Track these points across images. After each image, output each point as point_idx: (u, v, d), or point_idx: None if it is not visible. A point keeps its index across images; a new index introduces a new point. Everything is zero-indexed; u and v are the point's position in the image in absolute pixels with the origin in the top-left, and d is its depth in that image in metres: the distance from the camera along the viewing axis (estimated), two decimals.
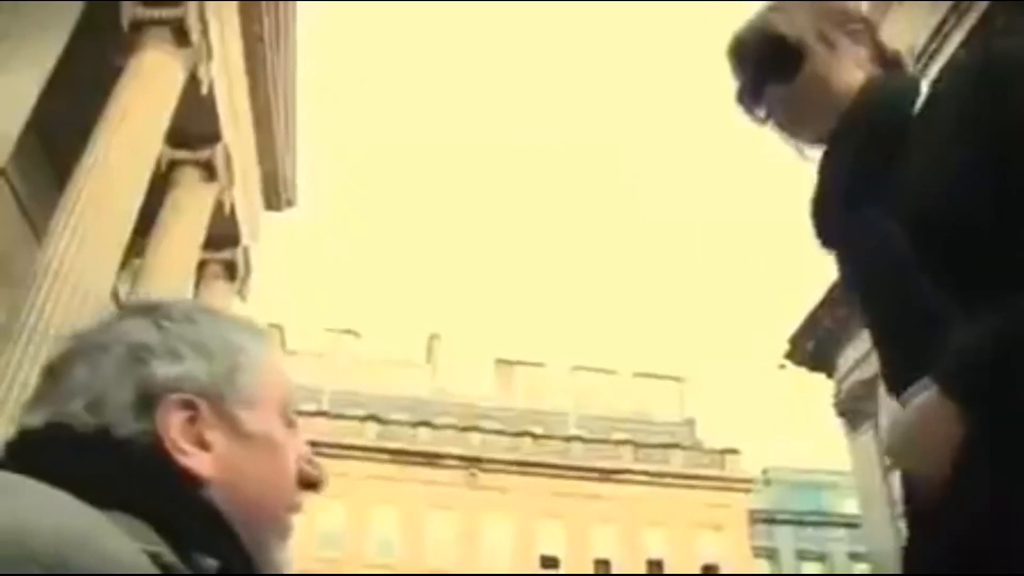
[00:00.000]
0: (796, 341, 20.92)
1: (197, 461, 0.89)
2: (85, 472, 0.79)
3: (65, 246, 9.81)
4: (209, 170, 13.92)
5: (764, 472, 42.03)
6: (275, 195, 18.66)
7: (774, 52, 1.56)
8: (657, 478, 37.83)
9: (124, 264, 11.86)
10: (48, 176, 12.40)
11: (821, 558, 40.78)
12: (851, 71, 1.55)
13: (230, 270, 16.64)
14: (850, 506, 32.09)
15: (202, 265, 15.49)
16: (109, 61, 11.20)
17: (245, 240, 16.82)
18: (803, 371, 21.34)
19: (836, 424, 20.94)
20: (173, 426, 0.89)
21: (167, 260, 13.03)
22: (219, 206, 14.61)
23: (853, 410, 19.80)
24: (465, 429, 37.51)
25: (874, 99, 1.50)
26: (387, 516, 33.64)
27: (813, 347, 20.10)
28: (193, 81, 12.25)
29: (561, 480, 36.53)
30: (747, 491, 39.30)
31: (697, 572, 36.33)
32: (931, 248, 1.30)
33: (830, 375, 20.71)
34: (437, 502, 34.70)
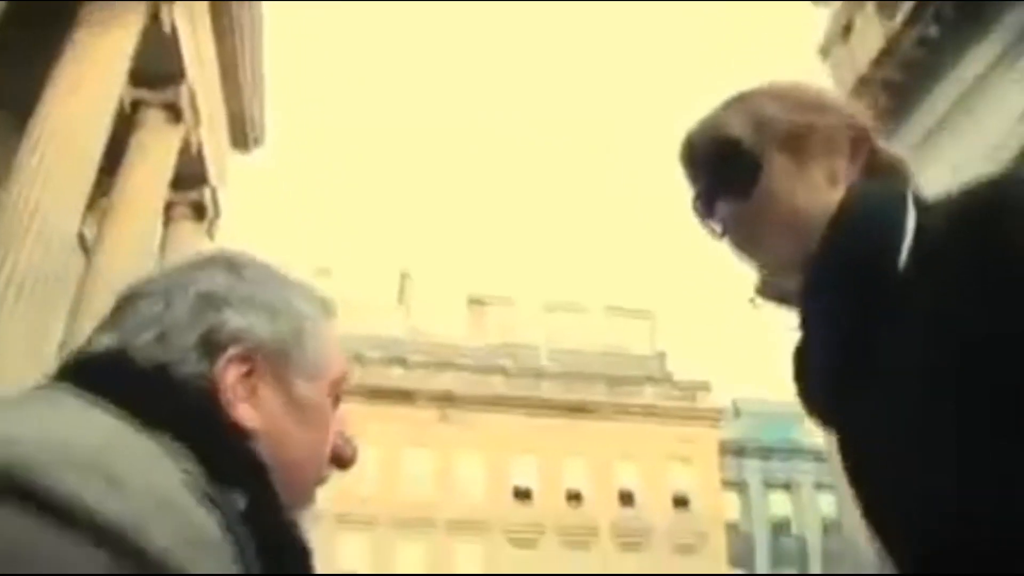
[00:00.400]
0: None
1: (246, 413, 0.91)
2: (140, 400, 0.83)
3: (29, 187, 9.71)
4: (174, 111, 13.77)
5: (734, 404, 42.51)
6: (243, 135, 18.47)
7: (726, 161, 1.27)
8: (628, 411, 38.36)
9: (91, 205, 11.75)
10: (8, 119, 12.21)
11: (788, 488, 41.43)
12: (822, 189, 1.24)
13: (198, 211, 16.52)
14: (817, 438, 32.54)
15: (170, 206, 15.38)
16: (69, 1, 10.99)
17: (213, 180, 16.68)
18: (773, 306, 21.47)
19: None
20: (230, 375, 0.92)
21: (134, 200, 12.92)
22: (186, 146, 14.49)
23: None
24: (438, 367, 37.67)
25: (849, 241, 1.17)
26: (362, 452, 33.19)
27: (783, 282, 20.19)
28: (155, 22, 12.06)
29: (533, 415, 36.85)
30: (717, 423, 39.84)
31: (668, 503, 36.93)
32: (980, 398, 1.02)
33: None
34: (412, 439, 34.94)
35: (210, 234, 17.00)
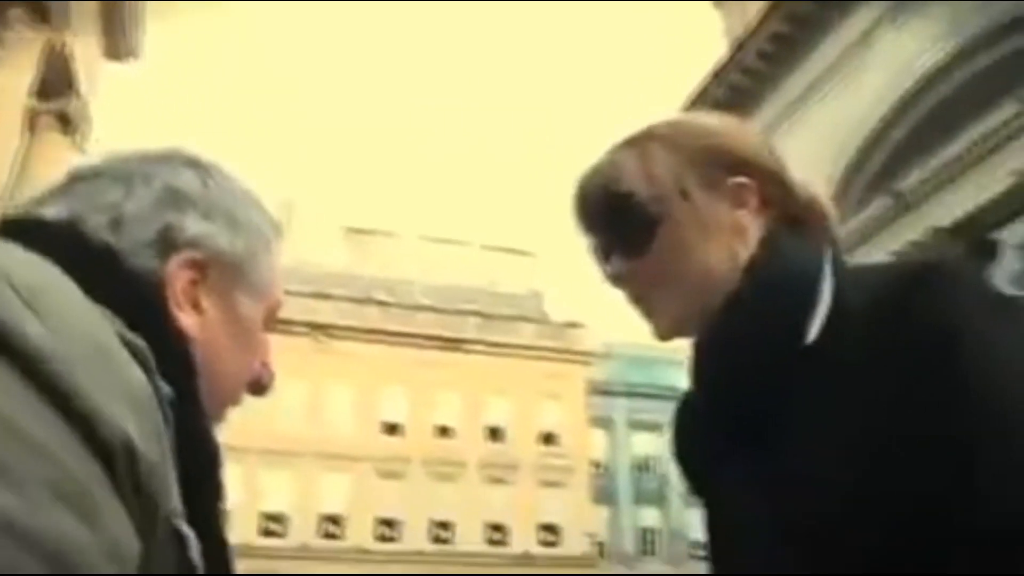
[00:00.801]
0: None
1: (188, 320, 0.89)
2: (86, 274, 0.76)
3: None
4: (40, 11, 13.03)
5: (605, 346, 43.31)
6: (116, 45, 17.63)
7: (619, 216, 1.15)
8: (501, 348, 38.68)
9: None
10: None
11: (653, 428, 42.59)
12: (726, 243, 1.12)
13: (66, 122, 15.75)
14: (682, 380, 33.37)
15: (35, 116, 14.61)
16: None
17: (83, 91, 15.89)
18: None
19: None
20: (180, 279, 0.90)
21: None
22: (52, 51, 13.74)
23: None
24: (315, 296, 37.24)
25: (758, 304, 1.06)
26: None
27: None
28: None
29: (407, 348, 36.88)
30: (588, 363, 40.56)
31: (535, 439, 37.56)
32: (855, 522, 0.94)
33: None
34: (286, 368, 34.36)
35: (80, 148, 16.25)
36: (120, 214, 0.89)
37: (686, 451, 1.22)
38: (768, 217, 1.15)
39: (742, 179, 1.14)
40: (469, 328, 38.96)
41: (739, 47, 17.30)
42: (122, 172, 0.93)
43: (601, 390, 41.67)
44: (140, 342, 0.73)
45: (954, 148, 13.31)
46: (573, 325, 41.21)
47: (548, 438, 38.03)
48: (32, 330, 0.63)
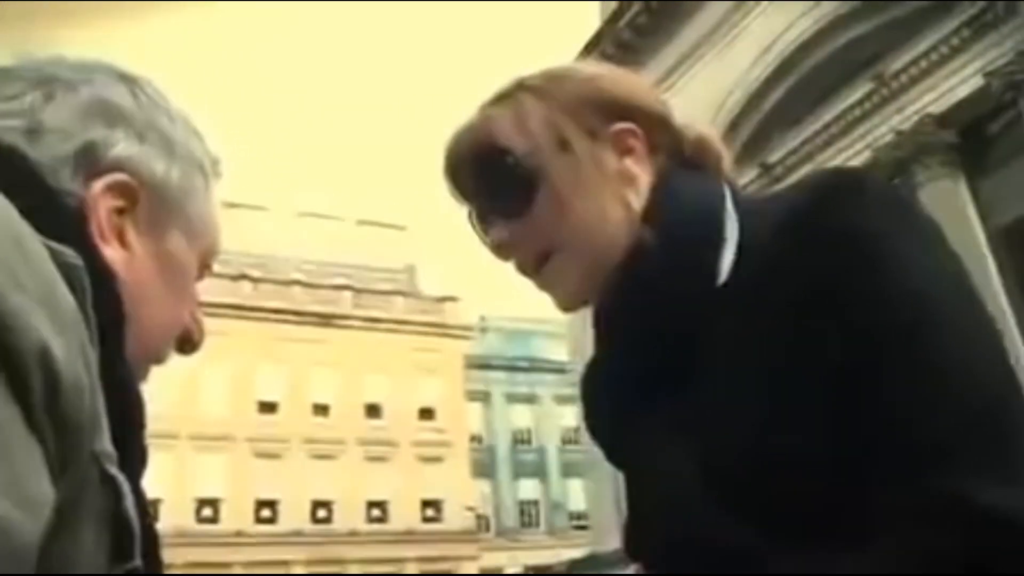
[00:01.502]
0: None
1: (114, 255, 0.76)
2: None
3: None
4: None
5: (481, 320, 43.47)
6: None
7: (494, 177, 1.06)
8: (377, 324, 38.41)
9: None
10: None
11: (530, 400, 43.02)
12: (615, 194, 1.03)
13: None
14: (559, 352, 33.91)
15: None
16: None
17: None
18: None
19: None
20: (103, 205, 0.77)
21: None
22: None
23: None
24: None
25: (665, 251, 0.98)
26: None
27: None
28: None
29: (281, 325, 36.29)
30: (464, 338, 40.66)
31: (414, 415, 37.52)
32: (748, 483, 0.90)
33: None
34: None
35: None
36: (38, 122, 0.77)
37: (600, 419, 1.11)
38: (657, 162, 1.07)
39: (625, 124, 1.06)
40: (344, 304, 38.58)
41: (612, 17, 17.46)
42: (42, 75, 0.80)
43: (478, 364, 41.83)
44: (73, 257, 0.62)
45: (817, 123, 13.70)
46: (448, 299, 41.21)
47: (426, 413, 38.02)
48: None
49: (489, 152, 1.06)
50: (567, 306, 1.10)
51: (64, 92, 0.80)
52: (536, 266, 1.07)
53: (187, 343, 0.92)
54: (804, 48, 13.84)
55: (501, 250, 1.09)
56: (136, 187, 0.80)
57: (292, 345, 35.80)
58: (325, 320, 37.48)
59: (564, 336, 25.38)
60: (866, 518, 0.83)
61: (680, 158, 1.09)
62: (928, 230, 0.94)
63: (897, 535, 0.82)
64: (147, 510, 0.73)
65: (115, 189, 0.78)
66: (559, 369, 37.46)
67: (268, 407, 35.61)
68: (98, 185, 0.77)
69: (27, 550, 0.50)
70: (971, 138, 12.32)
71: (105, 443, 0.61)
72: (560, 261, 1.05)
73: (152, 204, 0.82)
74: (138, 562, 0.65)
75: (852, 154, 12.94)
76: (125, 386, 0.71)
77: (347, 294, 39.01)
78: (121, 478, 0.62)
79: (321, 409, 36.43)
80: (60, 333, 0.56)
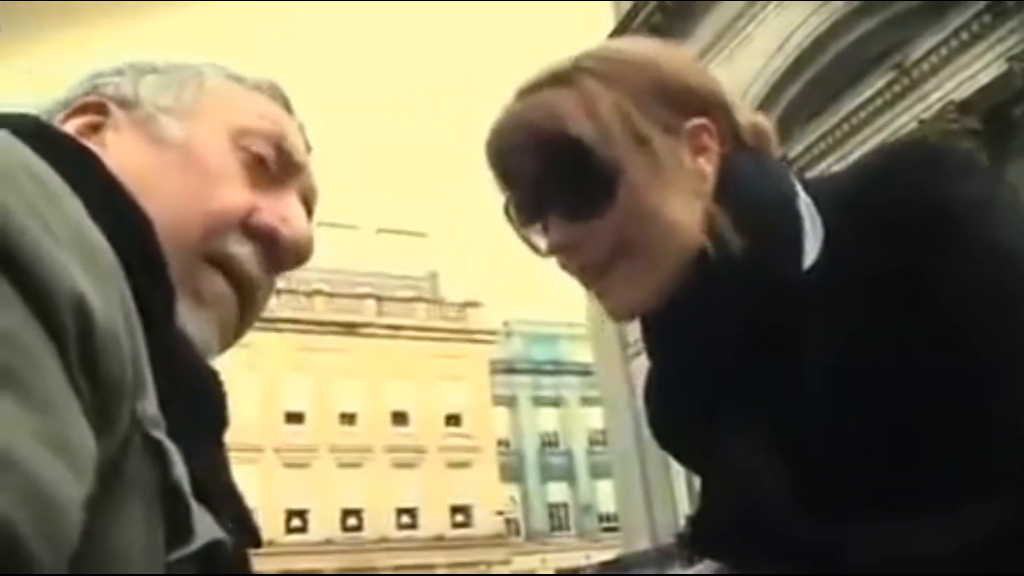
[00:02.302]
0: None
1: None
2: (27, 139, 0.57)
3: None
4: None
5: (505, 324, 43.46)
6: None
7: (562, 165, 0.94)
8: (401, 331, 38.45)
9: None
10: None
11: (556, 403, 42.97)
12: (689, 201, 0.93)
13: None
14: (584, 355, 33.82)
15: None
16: None
17: None
18: None
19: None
20: (72, 126, 0.76)
21: None
22: None
23: None
24: None
25: (752, 243, 0.91)
26: None
27: None
28: None
29: (305, 335, 36.40)
30: (488, 342, 40.65)
31: (440, 421, 37.57)
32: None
33: None
34: None
35: None
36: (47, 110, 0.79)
37: (676, 418, 1.01)
38: (723, 153, 0.97)
39: (700, 120, 0.96)
40: (367, 312, 38.66)
41: (626, 17, 17.42)
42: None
43: (503, 368, 41.82)
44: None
45: (838, 115, 13.59)
46: (471, 304, 41.22)
47: (453, 419, 38.04)
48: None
49: (557, 140, 0.93)
50: (626, 315, 1.00)
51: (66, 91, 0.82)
52: (600, 272, 0.96)
53: (270, 241, 0.78)
54: (820, 42, 13.75)
55: (563, 252, 0.97)
56: (102, 100, 0.78)
57: (317, 355, 35.90)
58: (349, 329, 37.56)
59: (588, 338, 25.30)
60: (976, 496, 0.81)
61: (741, 146, 0.99)
62: (1008, 197, 0.90)
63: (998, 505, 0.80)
64: (231, 487, 0.68)
65: (79, 110, 0.78)
66: (585, 371, 37.35)
67: (295, 417, 35.70)
68: (63, 115, 0.78)
69: (71, 510, 0.45)
70: (994, 124, 12.18)
71: (148, 405, 0.54)
72: (630, 268, 0.94)
73: (126, 107, 0.78)
74: (210, 537, 0.57)
75: (874, 144, 12.82)
76: (177, 343, 0.63)
77: (370, 302, 39.08)
78: (168, 444, 0.55)
79: (348, 418, 36.49)
80: (95, 280, 0.50)
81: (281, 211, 0.79)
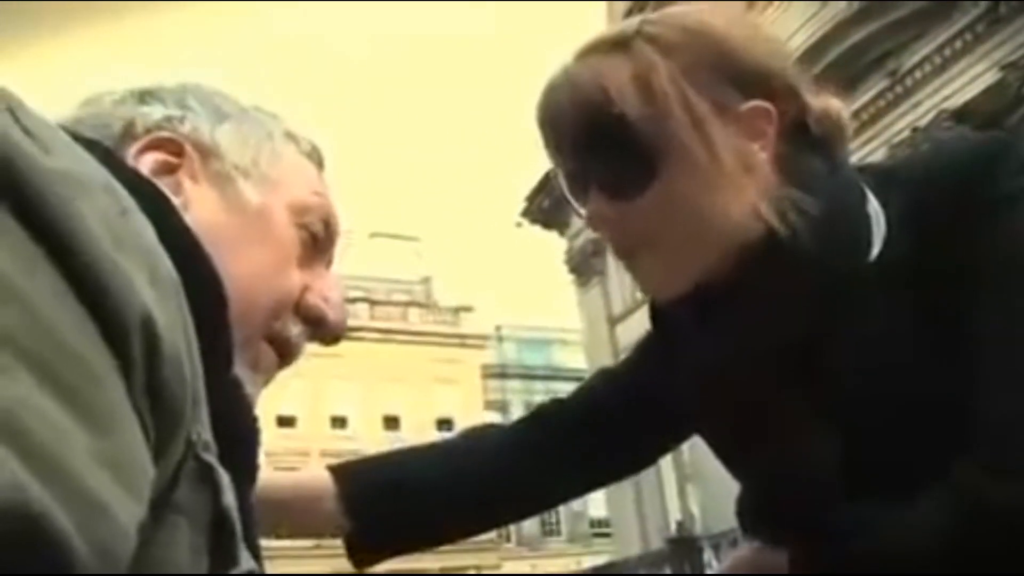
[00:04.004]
0: (532, 199, 21.43)
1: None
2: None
3: None
4: None
5: (498, 329, 43.46)
6: None
7: (609, 145, 0.90)
8: (394, 335, 38.44)
9: None
10: None
11: None
12: (737, 189, 0.90)
13: None
14: (578, 361, 33.82)
15: None
16: None
17: None
18: (538, 229, 21.96)
19: (567, 281, 21.79)
20: (147, 162, 0.73)
21: None
22: None
23: (584, 267, 20.64)
24: None
25: (818, 233, 0.89)
26: None
27: (548, 205, 20.64)
28: None
29: None
30: (481, 347, 40.65)
31: (432, 426, 37.52)
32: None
33: (563, 233, 21.44)
34: None
35: None
36: (77, 117, 0.75)
37: (726, 397, 0.99)
38: (784, 141, 0.93)
39: (759, 103, 0.92)
40: (360, 316, 38.64)
41: (623, 17, 17.40)
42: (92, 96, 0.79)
43: (496, 373, 41.81)
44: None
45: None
46: (464, 309, 41.22)
47: (445, 423, 38.00)
48: (41, 164, 0.45)
49: (601, 114, 0.90)
50: (662, 294, 0.99)
51: (103, 95, 0.79)
52: (633, 251, 0.95)
53: (317, 323, 0.84)
54: (816, 48, 13.75)
55: (598, 225, 0.95)
56: (178, 139, 0.75)
57: (309, 359, 35.07)
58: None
59: (581, 344, 25.29)
60: None
61: (804, 131, 0.96)
62: None
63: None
64: (255, 529, 0.68)
65: (156, 145, 0.75)
66: (577, 377, 37.27)
67: (286, 421, 35.60)
68: (136, 145, 0.74)
69: (128, 536, 0.43)
70: (989, 132, 12.19)
71: (203, 430, 0.54)
72: (664, 253, 0.93)
73: (204, 154, 0.76)
74: (247, 566, 0.58)
75: (868, 152, 12.83)
76: (230, 387, 0.64)
77: (363, 306, 39.05)
78: (220, 469, 0.54)
79: (339, 422, 36.43)
80: (162, 300, 0.49)
81: (325, 291, 0.83)
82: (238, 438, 0.65)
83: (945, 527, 0.81)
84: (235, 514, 0.56)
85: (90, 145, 0.58)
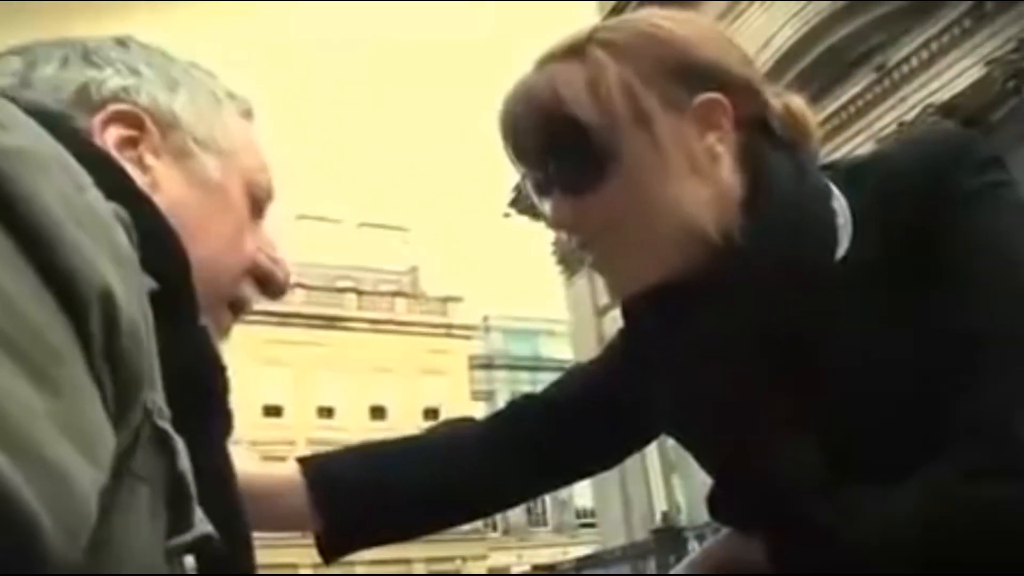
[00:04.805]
0: (520, 189, 21.41)
1: (138, 181, 0.69)
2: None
3: None
4: None
5: (485, 319, 43.45)
6: None
7: (561, 146, 0.94)
8: (381, 325, 38.41)
9: None
10: None
11: None
12: (698, 172, 0.93)
13: None
14: (565, 352, 33.85)
15: None
16: None
17: None
18: (526, 219, 21.95)
19: (555, 272, 21.81)
20: (110, 136, 0.74)
21: None
22: None
23: (571, 257, 20.65)
24: None
25: (780, 233, 0.92)
26: None
27: None
28: None
29: (285, 328, 36.31)
30: (468, 338, 40.63)
31: (419, 416, 37.51)
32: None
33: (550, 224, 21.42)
34: None
35: None
36: (28, 79, 0.74)
37: (699, 393, 1.00)
38: (742, 135, 0.96)
39: (711, 95, 0.94)
40: (348, 306, 38.57)
41: (610, 15, 17.38)
42: (22, 47, 0.78)
43: (483, 364, 41.82)
44: (119, 208, 0.56)
45: (819, 116, 13.63)
46: (451, 299, 41.19)
47: (432, 414, 37.96)
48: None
49: (555, 118, 0.94)
50: (621, 290, 1.02)
51: (46, 53, 0.77)
52: (594, 248, 0.98)
53: (269, 282, 0.87)
54: (802, 43, 13.78)
55: (560, 226, 0.99)
56: (138, 112, 0.76)
57: (296, 348, 35.77)
58: (329, 323, 37.45)
59: (567, 335, 25.32)
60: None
61: (766, 129, 0.99)
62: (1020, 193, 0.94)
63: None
64: (231, 483, 0.69)
65: (116, 118, 0.75)
66: (564, 368, 37.19)
67: (273, 411, 35.54)
68: (98, 118, 0.74)
69: (88, 500, 0.45)
70: (974, 127, 12.23)
71: (157, 397, 0.56)
72: (623, 245, 0.95)
73: (163, 128, 0.78)
74: (202, 530, 0.58)
75: (854, 147, 12.86)
76: (198, 338, 0.67)
77: (351, 296, 39.00)
78: (175, 436, 0.56)
79: (326, 411, 36.36)
80: (120, 273, 0.51)
81: (269, 250, 0.87)
82: (211, 388, 0.69)
83: (916, 522, 0.82)
84: (190, 478, 0.57)
85: (53, 118, 0.62)
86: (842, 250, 0.94)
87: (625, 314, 1.12)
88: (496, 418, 1.23)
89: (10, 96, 0.64)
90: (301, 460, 1.14)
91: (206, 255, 0.74)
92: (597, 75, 0.94)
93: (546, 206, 1.00)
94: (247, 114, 0.89)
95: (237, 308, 0.85)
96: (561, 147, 0.95)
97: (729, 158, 0.96)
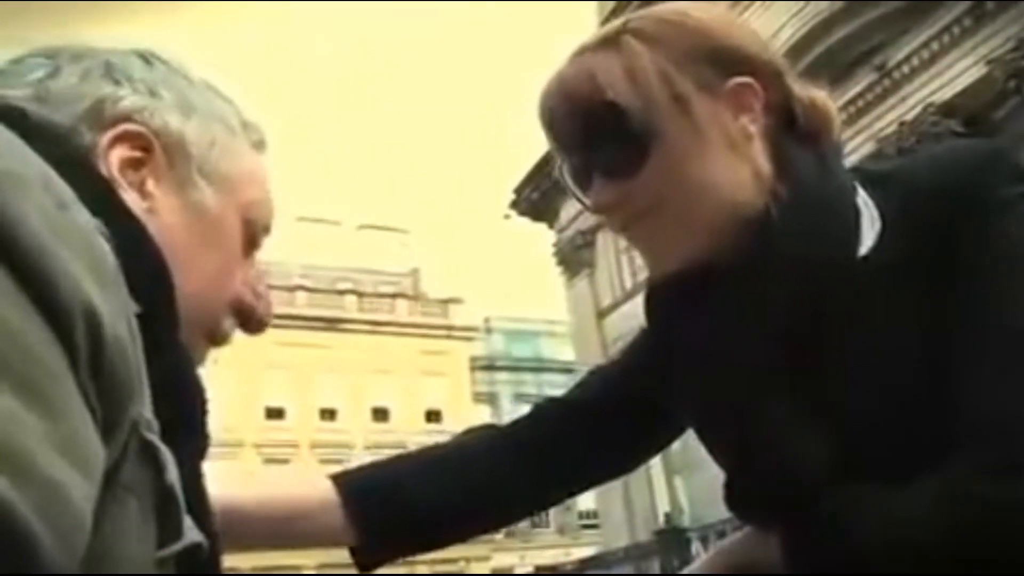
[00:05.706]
0: (520, 191, 21.42)
1: (134, 204, 0.71)
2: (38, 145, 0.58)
3: None
4: None
5: (486, 321, 43.44)
6: None
7: (601, 132, 0.97)
8: (382, 327, 38.40)
9: None
10: None
11: (536, 401, 42.96)
12: (732, 156, 0.97)
13: None
14: (566, 353, 33.86)
15: None
16: None
17: None
18: (527, 221, 21.96)
19: (555, 273, 21.81)
20: (115, 155, 0.74)
21: None
22: None
23: (572, 259, 20.65)
24: None
25: (804, 225, 0.95)
26: None
27: (537, 197, 20.66)
28: None
29: (286, 330, 36.32)
30: (469, 339, 40.62)
31: (421, 418, 37.50)
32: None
33: (551, 225, 21.44)
34: None
35: None
36: (45, 89, 0.74)
37: (709, 378, 1.03)
38: (771, 125, 1.00)
39: (743, 79, 0.98)
40: (349, 308, 38.57)
41: (608, 18, 17.38)
42: (51, 51, 0.78)
43: (484, 365, 41.80)
44: (102, 225, 0.57)
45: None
46: (452, 301, 41.17)
47: (434, 416, 37.99)
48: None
49: (595, 105, 0.97)
50: (663, 271, 1.03)
51: (70, 63, 0.77)
52: (636, 230, 1.01)
53: (249, 318, 0.87)
54: (803, 42, 13.78)
55: (602, 211, 1.02)
56: (148, 135, 0.77)
57: (298, 350, 35.74)
58: (330, 325, 37.44)
59: (569, 336, 25.32)
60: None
61: (792, 121, 1.02)
62: None
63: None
64: (206, 499, 0.69)
65: (125, 138, 0.75)
66: (566, 369, 37.37)
67: (275, 413, 35.57)
68: (107, 136, 0.74)
69: (84, 514, 0.47)
70: (975, 126, 12.24)
71: (145, 410, 0.57)
72: (668, 226, 0.98)
73: (170, 154, 0.78)
74: (192, 539, 0.60)
75: (855, 146, 12.86)
76: (179, 361, 0.67)
77: (351, 298, 38.99)
78: (163, 448, 0.58)
79: (328, 414, 36.38)
80: (103, 290, 0.52)
81: (255, 284, 0.87)
82: (191, 410, 0.70)
83: (933, 520, 0.84)
84: (178, 489, 0.59)
85: (58, 136, 0.65)
86: (865, 248, 0.96)
87: (651, 304, 1.13)
88: (523, 423, 1.25)
89: (21, 109, 0.67)
90: (334, 477, 1.16)
91: (191, 286, 0.75)
92: (633, 62, 0.97)
93: (584, 193, 1.03)
94: (259, 145, 0.90)
95: (214, 340, 0.85)
96: (602, 133, 0.98)
97: (760, 137, 0.99)
